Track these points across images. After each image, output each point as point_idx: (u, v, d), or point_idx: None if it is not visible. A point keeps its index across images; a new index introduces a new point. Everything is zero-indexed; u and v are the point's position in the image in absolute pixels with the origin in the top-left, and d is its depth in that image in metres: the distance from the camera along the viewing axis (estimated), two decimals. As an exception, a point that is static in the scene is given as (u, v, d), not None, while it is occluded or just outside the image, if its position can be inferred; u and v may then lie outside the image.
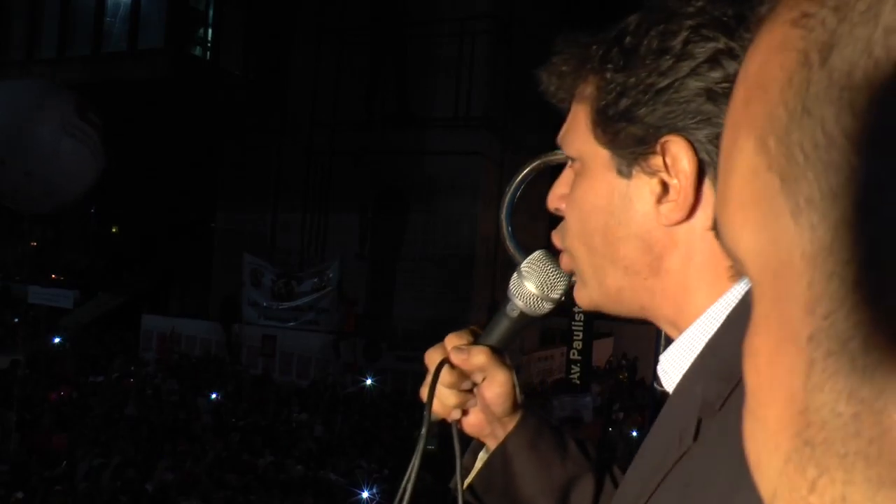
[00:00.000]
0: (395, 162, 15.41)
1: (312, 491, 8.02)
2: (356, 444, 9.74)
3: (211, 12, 16.63)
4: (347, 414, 11.20)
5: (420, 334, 14.23)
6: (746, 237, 0.31)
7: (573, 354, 13.81)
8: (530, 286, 0.93)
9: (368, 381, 12.51)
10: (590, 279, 0.81)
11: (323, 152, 16.07)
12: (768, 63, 0.30)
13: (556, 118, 0.87)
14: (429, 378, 0.97)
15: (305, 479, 8.41)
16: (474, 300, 14.99)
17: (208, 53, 16.73)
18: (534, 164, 1.53)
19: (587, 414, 11.32)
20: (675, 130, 0.71)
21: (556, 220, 0.88)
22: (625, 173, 0.76)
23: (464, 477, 0.99)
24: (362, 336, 14.40)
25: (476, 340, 0.98)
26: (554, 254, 0.92)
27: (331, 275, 14.91)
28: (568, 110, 0.86)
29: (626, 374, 16.43)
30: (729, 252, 0.33)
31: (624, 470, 1.04)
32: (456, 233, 14.94)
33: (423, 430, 0.94)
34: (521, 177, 1.54)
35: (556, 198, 0.86)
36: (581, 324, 13.68)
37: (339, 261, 14.95)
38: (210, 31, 16.71)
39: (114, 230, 25.45)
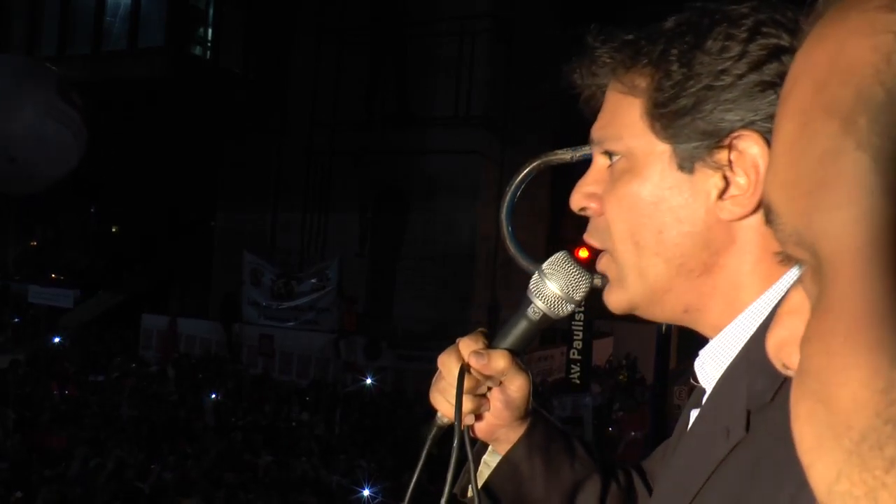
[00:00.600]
0: (395, 161, 15.41)
1: (312, 490, 8.03)
2: (356, 443, 9.75)
3: (211, 11, 16.62)
4: (347, 412, 11.20)
5: (420, 333, 14.24)
6: (822, 216, 0.30)
7: (573, 354, 13.82)
8: (554, 287, 0.91)
9: (368, 380, 12.51)
10: (633, 280, 0.79)
11: (323, 152, 16.07)
12: (853, 47, 0.30)
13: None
14: (441, 382, 0.95)
15: (306, 477, 8.41)
16: (474, 299, 15.00)
17: (208, 53, 16.72)
18: (533, 164, 1.53)
19: (587, 414, 11.31)
20: (745, 125, 0.70)
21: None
22: (687, 168, 0.74)
23: (467, 483, 0.98)
24: (362, 335, 14.40)
25: (491, 343, 0.95)
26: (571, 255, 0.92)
27: (330, 274, 14.91)
28: (595, 103, 0.83)
29: (627, 374, 16.44)
30: (792, 239, 0.32)
31: (624, 470, 1.05)
32: (456, 232, 14.94)
33: (455, 443, 0.91)
34: (521, 176, 1.54)
35: (584, 196, 0.83)
36: (581, 323, 13.68)
37: (338, 261, 14.94)
38: (210, 30, 16.70)
39: (114, 230, 25.45)
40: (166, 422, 10.13)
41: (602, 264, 0.83)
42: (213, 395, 11.29)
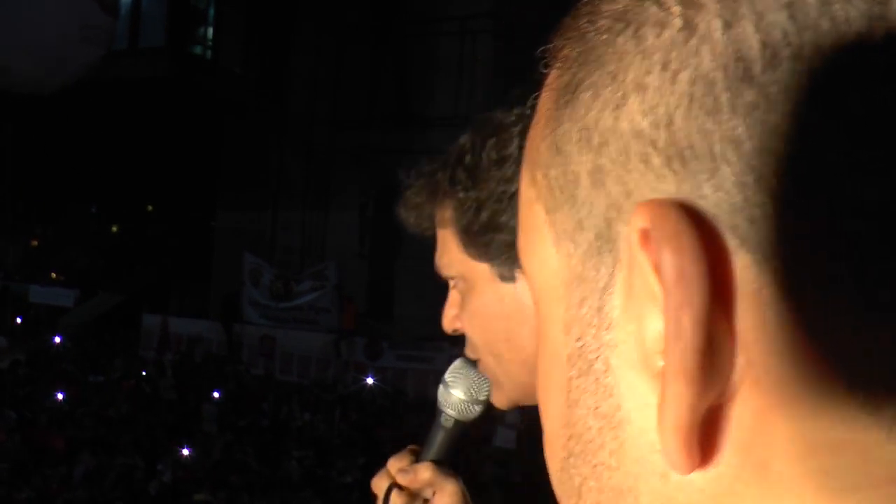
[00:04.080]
0: (396, 161, 15.30)
1: (314, 490, 8.03)
2: (356, 443, 9.75)
3: (212, 11, 16.63)
4: (347, 412, 11.21)
5: (421, 333, 14.23)
6: (527, 261, 0.34)
7: (573, 354, 13.84)
8: (458, 393, 0.97)
9: (369, 380, 12.51)
10: (505, 382, 0.85)
11: (323, 151, 16.07)
12: (542, 100, 0.33)
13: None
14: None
15: (307, 477, 8.41)
16: (475, 299, 15.00)
17: (209, 52, 16.72)
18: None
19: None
20: None
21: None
22: (507, 277, 0.79)
23: None
24: (363, 335, 14.40)
25: (418, 458, 1.00)
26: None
27: (328, 274, 14.92)
28: (433, 238, 0.90)
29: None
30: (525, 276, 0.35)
31: None
32: (456, 232, 14.95)
33: None
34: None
35: (450, 320, 0.90)
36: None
37: (335, 261, 14.96)
38: (211, 29, 16.71)
39: (114, 230, 25.47)
40: (166, 423, 10.13)
41: (482, 371, 0.91)
42: (216, 394, 11.26)
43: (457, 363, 0.98)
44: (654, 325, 0.26)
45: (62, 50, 7.62)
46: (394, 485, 0.98)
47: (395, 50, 15.62)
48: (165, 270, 20.58)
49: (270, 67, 16.83)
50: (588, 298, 0.29)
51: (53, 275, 21.07)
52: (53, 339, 14.91)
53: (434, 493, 0.99)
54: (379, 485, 1.00)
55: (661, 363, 0.26)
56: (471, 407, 0.97)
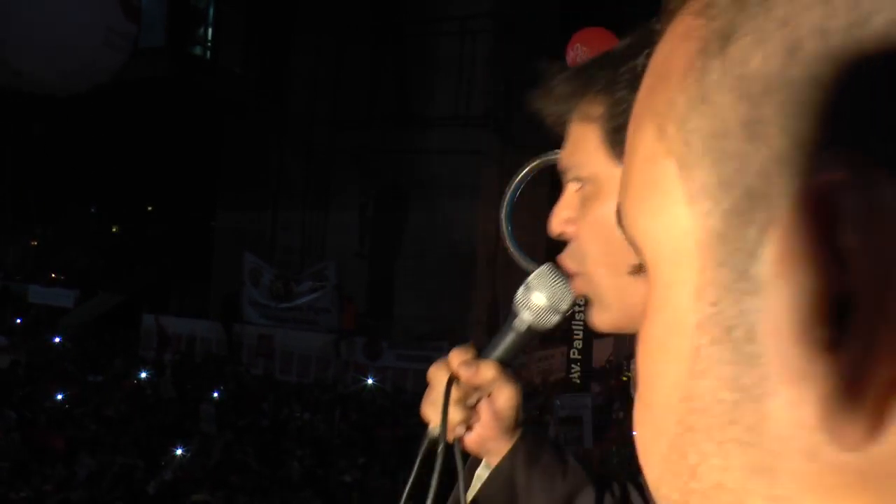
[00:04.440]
0: (396, 161, 15.42)
1: (314, 490, 8.03)
2: (356, 443, 9.75)
3: (211, 11, 16.62)
4: (347, 412, 11.20)
5: (420, 333, 14.24)
6: (643, 222, 0.31)
7: (573, 354, 13.80)
8: (540, 298, 0.92)
9: (369, 381, 12.52)
10: (613, 301, 0.80)
11: (323, 151, 16.07)
12: (672, 52, 0.31)
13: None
14: (432, 394, 0.96)
15: (307, 477, 8.41)
16: (474, 299, 14.99)
17: (209, 52, 16.72)
18: (534, 164, 1.53)
19: (587, 414, 11.31)
20: None
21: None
22: None
23: (466, 493, 0.98)
24: (362, 335, 14.41)
25: (481, 354, 0.96)
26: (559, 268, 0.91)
27: (328, 274, 14.92)
28: (562, 132, 0.85)
29: (627, 374, 16.42)
30: (628, 237, 0.33)
31: (620, 483, 1.04)
32: (456, 231, 14.94)
33: (441, 447, 0.91)
34: (521, 176, 1.54)
35: (561, 222, 0.85)
36: (581, 323, 13.65)
37: (336, 261, 14.96)
38: (210, 30, 16.71)
39: (114, 230, 25.48)
40: (166, 423, 10.12)
41: (578, 287, 0.85)
42: (215, 394, 11.26)
43: (544, 267, 0.92)
44: (818, 289, 0.23)
45: (86, 55, 7.67)
46: (455, 377, 0.94)
47: (395, 50, 15.62)
48: (165, 270, 20.58)
49: (270, 67, 16.83)
50: (729, 260, 0.26)
51: (53, 275, 21.06)
52: (53, 339, 14.91)
53: (490, 395, 0.95)
54: (437, 374, 0.96)
55: (821, 331, 0.23)
56: (549, 315, 0.92)
